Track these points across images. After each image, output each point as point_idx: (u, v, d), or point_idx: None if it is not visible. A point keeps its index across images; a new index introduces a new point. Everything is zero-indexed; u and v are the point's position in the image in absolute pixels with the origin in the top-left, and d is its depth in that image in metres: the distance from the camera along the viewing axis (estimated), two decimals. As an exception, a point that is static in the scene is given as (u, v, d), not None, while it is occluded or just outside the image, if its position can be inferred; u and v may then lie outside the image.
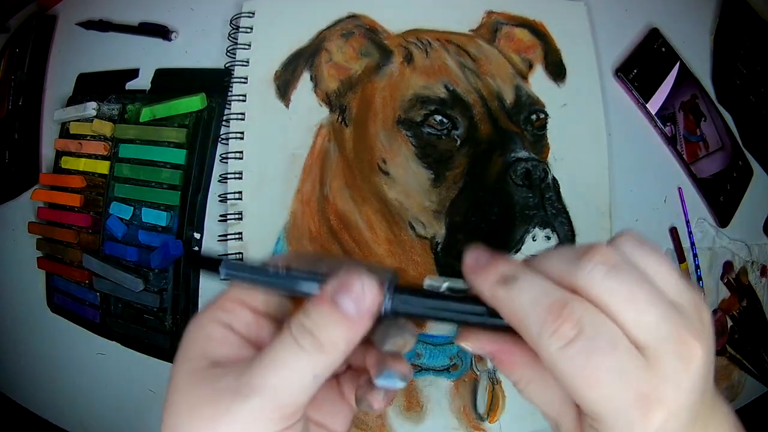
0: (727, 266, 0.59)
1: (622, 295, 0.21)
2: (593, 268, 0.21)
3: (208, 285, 0.49)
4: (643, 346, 0.20)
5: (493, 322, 0.23)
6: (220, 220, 0.48)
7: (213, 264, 0.24)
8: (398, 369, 0.23)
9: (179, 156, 0.49)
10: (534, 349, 0.21)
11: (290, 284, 0.23)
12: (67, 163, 0.54)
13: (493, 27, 0.52)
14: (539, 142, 0.51)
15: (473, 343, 0.25)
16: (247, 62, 0.50)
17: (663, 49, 0.57)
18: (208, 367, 0.23)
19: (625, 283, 0.21)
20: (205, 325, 0.24)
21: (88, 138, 0.53)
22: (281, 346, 0.22)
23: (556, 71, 0.53)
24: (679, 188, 0.56)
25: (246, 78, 0.49)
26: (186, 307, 0.49)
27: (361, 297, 0.22)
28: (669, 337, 0.20)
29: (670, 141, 0.56)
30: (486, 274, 0.22)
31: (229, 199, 0.48)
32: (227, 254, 0.48)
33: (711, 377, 0.22)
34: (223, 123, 0.49)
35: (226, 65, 0.50)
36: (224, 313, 0.25)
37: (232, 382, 0.21)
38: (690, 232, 0.56)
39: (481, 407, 0.50)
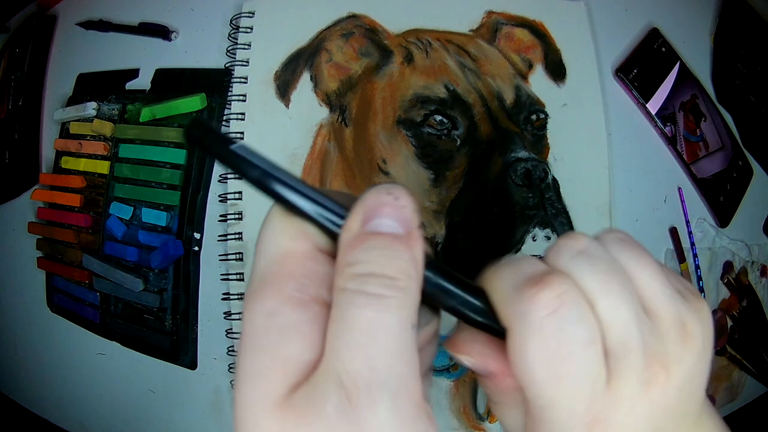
0: (727, 266, 0.59)
1: (594, 280, 0.18)
2: (562, 248, 0.19)
3: (208, 285, 0.49)
4: (609, 353, 0.18)
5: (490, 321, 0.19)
6: (220, 220, 0.48)
7: (220, 141, 0.18)
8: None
9: (179, 156, 0.49)
10: (506, 325, 0.18)
11: (314, 198, 0.17)
12: (67, 163, 0.54)
13: (493, 27, 0.52)
14: (539, 142, 0.51)
15: (473, 357, 0.21)
16: (247, 62, 0.50)
17: (663, 49, 0.57)
18: (295, 387, 0.16)
19: (597, 269, 0.18)
20: (276, 313, 0.16)
21: (88, 138, 0.53)
22: (353, 312, 0.16)
23: (556, 71, 0.53)
24: (679, 188, 0.56)
25: (246, 78, 0.49)
26: (186, 307, 0.49)
27: (398, 207, 0.17)
28: (634, 355, 0.18)
29: (670, 141, 0.56)
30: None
31: (229, 199, 0.48)
32: (227, 254, 0.48)
33: (693, 395, 0.20)
34: (223, 123, 0.49)
35: (226, 65, 0.50)
36: (298, 280, 0.17)
37: (342, 399, 0.15)
38: (690, 232, 0.56)
39: (481, 407, 0.50)
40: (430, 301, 0.19)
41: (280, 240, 0.18)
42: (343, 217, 0.17)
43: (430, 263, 0.18)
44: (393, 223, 0.17)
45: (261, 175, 0.17)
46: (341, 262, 0.17)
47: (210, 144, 0.18)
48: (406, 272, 0.16)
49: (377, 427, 0.15)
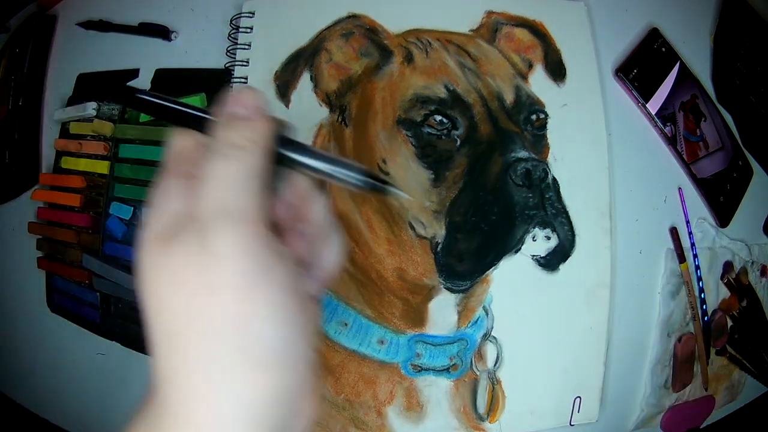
0: (727, 266, 0.59)
1: None
2: None
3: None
4: None
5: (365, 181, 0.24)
6: (220, 220, 0.48)
7: (127, 91, 0.26)
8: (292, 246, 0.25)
9: (179, 156, 0.49)
10: None
11: (188, 114, 0.25)
12: (67, 163, 0.54)
13: (493, 27, 0.52)
14: (539, 142, 0.51)
15: None
16: (247, 62, 0.50)
17: (663, 49, 0.57)
18: (170, 229, 0.22)
19: None
20: (161, 184, 0.23)
21: (88, 138, 0.53)
22: (210, 167, 0.22)
23: (556, 71, 0.53)
24: (679, 188, 0.56)
25: (246, 78, 0.49)
26: (186, 307, 0.49)
27: (244, 98, 0.24)
28: None
29: (670, 141, 0.56)
30: None
31: (229, 199, 0.48)
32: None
33: None
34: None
35: (226, 65, 0.50)
36: (178, 162, 0.24)
37: (196, 229, 0.21)
38: (690, 232, 0.56)
39: (481, 407, 0.49)
40: (285, 164, 0.25)
41: (173, 142, 0.25)
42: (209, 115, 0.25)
43: (285, 139, 0.25)
44: (242, 108, 0.24)
45: (159, 107, 0.26)
46: (211, 134, 0.23)
47: (126, 98, 0.27)
48: (250, 139, 0.23)
49: (221, 248, 0.20)
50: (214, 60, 0.51)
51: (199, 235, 0.20)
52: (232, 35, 0.50)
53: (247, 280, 0.20)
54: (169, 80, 0.52)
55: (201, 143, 0.24)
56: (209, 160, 0.22)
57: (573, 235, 0.50)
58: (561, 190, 0.49)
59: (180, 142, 0.25)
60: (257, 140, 0.23)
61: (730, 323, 0.60)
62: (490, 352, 0.50)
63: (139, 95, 0.26)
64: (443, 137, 0.48)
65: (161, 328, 0.21)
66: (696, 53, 0.60)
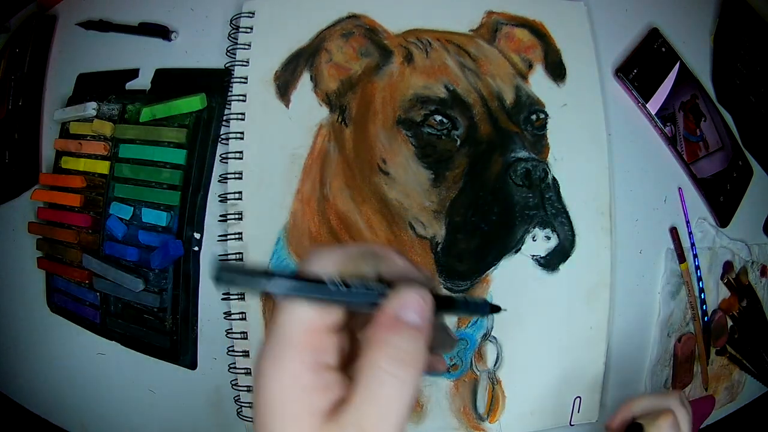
0: (727, 266, 0.59)
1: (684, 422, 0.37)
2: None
3: (208, 285, 0.49)
4: None
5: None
6: (220, 220, 0.48)
7: (256, 274, 0.21)
8: (442, 368, 0.28)
9: (179, 156, 0.49)
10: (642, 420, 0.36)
11: (350, 298, 0.22)
12: (67, 163, 0.54)
13: (493, 27, 0.52)
14: (539, 142, 0.51)
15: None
16: (247, 62, 0.50)
17: (663, 49, 0.57)
18: (331, 408, 0.21)
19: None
20: (299, 376, 0.22)
21: (88, 138, 0.53)
22: (383, 390, 0.21)
23: (556, 71, 0.53)
24: (679, 188, 0.56)
25: (246, 78, 0.49)
26: (186, 307, 0.49)
27: (422, 307, 0.23)
28: None
29: (670, 141, 0.56)
30: None
31: (229, 199, 0.48)
32: (227, 254, 0.48)
33: None
34: (223, 123, 0.49)
35: (226, 65, 0.50)
36: (315, 352, 0.22)
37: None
38: (690, 232, 0.56)
39: (481, 407, 0.50)
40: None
41: (297, 313, 0.22)
42: (377, 295, 0.23)
43: (438, 298, 0.24)
44: (417, 317, 0.23)
45: (305, 296, 0.22)
46: (379, 337, 0.22)
47: (244, 284, 0.22)
48: (421, 356, 0.22)
49: None
50: (214, 60, 0.51)
51: None
52: (232, 35, 0.50)
53: None
54: (169, 80, 0.52)
55: (332, 327, 0.23)
56: (373, 373, 0.22)
57: (573, 235, 0.50)
58: (561, 190, 0.49)
59: (307, 315, 0.22)
60: (421, 356, 0.22)
61: (730, 323, 0.60)
62: (490, 352, 0.50)
63: (273, 290, 0.21)
64: (443, 137, 0.48)
65: None
66: (696, 53, 0.60)
